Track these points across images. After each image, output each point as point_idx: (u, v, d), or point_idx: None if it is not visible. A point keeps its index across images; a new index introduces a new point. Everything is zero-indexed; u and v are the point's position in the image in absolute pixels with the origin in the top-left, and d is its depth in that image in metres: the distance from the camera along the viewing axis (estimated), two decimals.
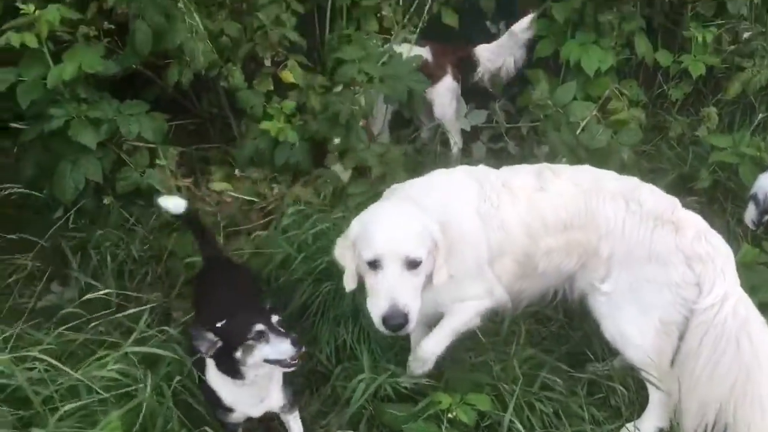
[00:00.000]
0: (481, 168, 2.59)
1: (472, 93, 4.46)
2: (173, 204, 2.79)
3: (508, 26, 4.29)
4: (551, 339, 3.02)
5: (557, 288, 2.61)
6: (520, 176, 2.52)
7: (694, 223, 2.42)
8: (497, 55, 4.17)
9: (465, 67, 4.25)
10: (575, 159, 3.28)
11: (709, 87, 4.30)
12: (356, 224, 2.39)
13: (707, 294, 2.31)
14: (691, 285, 2.34)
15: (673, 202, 2.48)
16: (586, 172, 2.55)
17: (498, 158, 4.17)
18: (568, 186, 2.45)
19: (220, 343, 2.22)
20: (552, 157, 3.41)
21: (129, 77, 3.78)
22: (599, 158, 3.26)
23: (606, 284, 2.44)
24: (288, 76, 3.66)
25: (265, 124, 3.56)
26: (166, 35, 3.26)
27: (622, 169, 3.34)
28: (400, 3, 4.19)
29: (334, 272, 3.01)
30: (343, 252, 2.41)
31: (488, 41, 4.22)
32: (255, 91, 3.69)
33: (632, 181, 2.53)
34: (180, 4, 3.28)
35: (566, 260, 2.47)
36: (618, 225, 2.40)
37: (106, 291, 2.87)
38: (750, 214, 3.17)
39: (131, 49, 3.28)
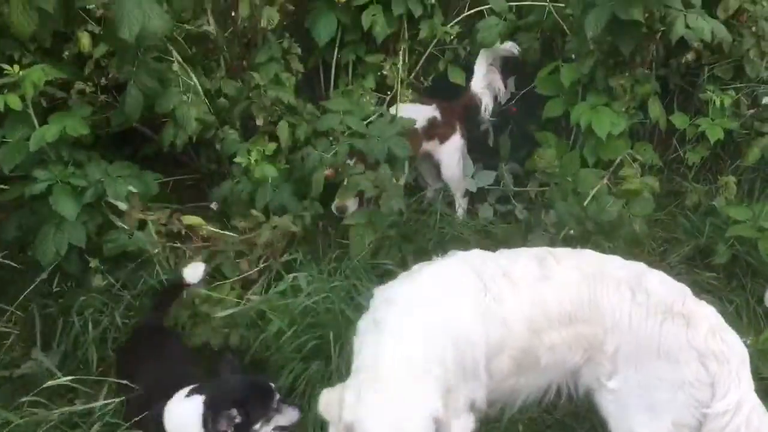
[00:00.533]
0: (477, 255, 2.41)
1: (479, 150, 4.33)
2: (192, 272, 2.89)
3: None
4: (556, 428, 2.82)
5: (560, 383, 2.40)
6: (521, 264, 2.34)
7: (706, 316, 2.23)
8: (487, 81, 4.03)
9: (471, 114, 4.12)
10: (583, 231, 3.11)
11: (728, 152, 4.11)
12: (350, 413, 2.06)
13: (721, 398, 2.11)
14: (705, 385, 2.14)
15: (683, 291, 2.29)
16: (590, 257, 2.37)
17: (505, 220, 4.01)
18: (572, 274, 2.27)
19: (238, 419, 2.27)
20: (560, 226, 3.23)
21: (127, 131, 3.70)
22: (609, 230, 3.08)
23: (613, 381, 2.24)
24: (273, 146, 3.53)
25: (240, 158, 3.42)
26: (159, 99, 3.16)
27: (634, 242, 3.19)
28: (406, 60, 4.10)
29: (324, 350, 2.86)
30: (331, 410, 2.14)
31: None
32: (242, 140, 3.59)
33: (639, 268, 2.35)
34: (175, 67, 3.18)
35: (570, 355, 2.28)
36: (624, 318, 2.21)
37: (69, 378, 2.74)
38: None
39: (121, 112, 3.17)
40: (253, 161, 3.43)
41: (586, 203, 3.16)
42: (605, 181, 3.26)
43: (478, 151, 4.35)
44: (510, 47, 3.91)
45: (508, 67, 4.19)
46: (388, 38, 4.04)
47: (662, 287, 2.27)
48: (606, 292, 2.23)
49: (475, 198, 4.21)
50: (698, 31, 3.20)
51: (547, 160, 3.28)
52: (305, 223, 3.43)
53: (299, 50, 3.75)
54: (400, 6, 3.90)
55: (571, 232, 3.10)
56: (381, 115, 3.64)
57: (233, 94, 3.64)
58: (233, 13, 3.46)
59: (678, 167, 4.16)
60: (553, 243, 3.16)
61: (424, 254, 3.64)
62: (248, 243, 3.41)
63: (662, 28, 3.45)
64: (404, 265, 3.48)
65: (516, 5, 4.06)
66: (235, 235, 3.40)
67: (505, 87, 4.14)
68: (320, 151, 3.44)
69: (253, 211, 3.39)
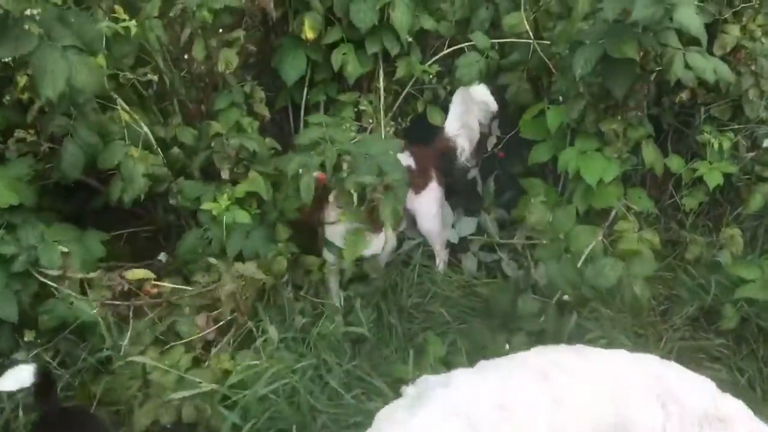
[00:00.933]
0: (462, 387, 1.85)
1: (462, 195, 4.03)
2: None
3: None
4: None
5: None
6: (522, 390, 1.85)
7: (740, 416, 1.89)
8: (463, 122, 3.69)
9: (447, 160, 3.80)
10: (579, 296, 2.79)
11: (727, 197, 3.83)
12: None
13: None
14: None
15: (708, 387, 1.96)
16: (598, 361, 2.00)
17: (491, 274, 3.69)
18: (586, 391, 1.88)
19: None
20: (552, 289, 2.91)
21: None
22: (607, 295, 2.77)
23: None
24: (247, 187, 3.19)
25: (207, 204, 3.09)
26: (101, 155, 2.82)
27: (635, 307, 2.88)
28: (381, 101, 3.80)
29: None
30: None
31: None
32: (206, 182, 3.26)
33: (653, 365, 2.01)
34: (123, 117, 2.84)
35: None
36: None
37: None
38: None
39: (58, 170, 2.82)
40: (223, 206, 3.10)
41: (580, 263, 2.84)
42: (600, 237, 2.94)
43: (462, 196, 4.05)
44: (481, 94, 3.56)
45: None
46: (362, 77, 3.74)
47: (688, 388, 1.93)
48: (634, 410, 1.85)
49: (457, 246, 3.88)
50: (699, 70, 2.92)
51: (537, 215, 2.96)
52: (279, 268, 3.09)
53: (263, 94, 3.41)
54: (375, 44, 3.60)
55: (565, 297, 2.77)
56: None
57: (191, 143, 3.31)
58: (186, 56, 3.12)
59: (674, 213, 3.87)
60: (545, 308, 2.85)
61: (402, 313, 3.34)
62: (208, 297, 3.06)
63: (658, 68, 3.16)
64: (381, 331, 3.16)
65: (499, 42, 3.79)
66: (190, 288, 3.06)
67: (490, 131, 3.84)
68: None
69: (211, 259, 3.04)
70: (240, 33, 3.17)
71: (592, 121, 3.33)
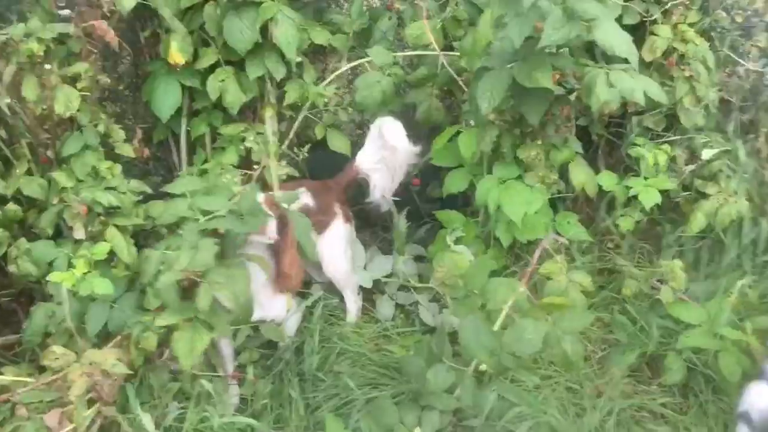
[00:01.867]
0: None
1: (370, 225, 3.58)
2: None
3: None
4: None
5: None
6: None
7: None
8: (381, 156, 3.21)
9: (356, 194, 3.33)
10: (498, 365, 2.35)
11: (667, 215, 3.46)
12: None
13: None
14: None
15: None
16: None
17: (409, 320, 3.25)
18: None
19: None
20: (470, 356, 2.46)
21: None
22: (532, 363, 2.35)
23: None
24: (106, 248, 2.66)
25: (55, 276, 2.52)
26: None
27: (565, 365, 2.46)
28: (273, 132, 3.29)
29: None
30: None
31: None
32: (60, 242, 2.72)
33: None
34: None
35: None
36: None
37: None
38: None
39: None
40: (77, 275, 2.56)
41: (498, 325, 2.40)
42: (524, 286, 2.51)
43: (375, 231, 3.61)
44: (390, 135, 3.08)
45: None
46: (249, 104, 3.24)
47: None
48: None
49: (374, 289, 3.42)
50: (626, 92, 2.49)
51: (445, 269, 2.50)
52: (148, 345, 2.58)
53: (122, 133, 2.88)
54: (258, 67, 3.09)
55: (483, 366, 2.34)
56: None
57: (38, 196, 2.77)
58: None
59: (610, 237, 3.47)
60: (460, 380, 2.41)
61: (304, 381, 2.87)
62: (61, 388, 2.53)
63: (578, 88, 2.74)
64: (281, 404, 2.69)
65: (405, 56, 3.33)
66: (32, 380, 2.53)
67: None
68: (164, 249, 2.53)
69: (56, 348, 2.51)
70: (82, 67, 2.62)
71: (510, 148, 2.88)
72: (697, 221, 3.21)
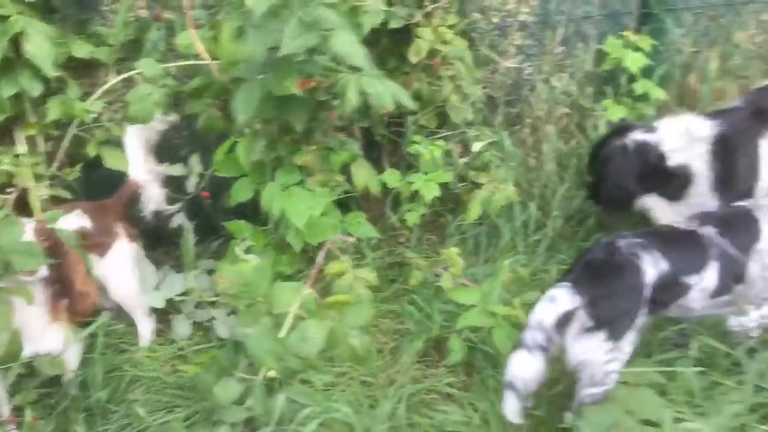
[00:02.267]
0: None
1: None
2: None
3: None
4: None
5: None
6: None
7: None
8: (150, 166, 3.17)
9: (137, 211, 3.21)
10: (286, 370, 2.36)
11: (449, 207, 3.67)
12: None
13: None
14: None
15: None
16: None
17: (207, 336, 3.16)
18: None
19: None
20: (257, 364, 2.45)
21: None
22: (318, 362, 2.38)
23: None
24: None
25: None
26: None
27: (357, 358, 2.52)
28: (37, 153, 3.07)
29: None
30: None
31: None
32: None
33: None
34: None
35: None
36: None
37: None
38: (509, 405, 2.43)
39: None
40: None
41: (286, 328, 2.41)
42: (310, 288, 2.54)
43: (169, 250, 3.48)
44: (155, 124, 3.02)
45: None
46: (4, 125, 2.99)
47: None
48: None
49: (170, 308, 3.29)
50: (377, 97, 2.60)
51: (228, 279, 2.47)
52: None
53: None
54: (11, 86, 2.86)
55: (271, 373, 2.34)
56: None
57: None
58: None
59: (400, 231, 3.62)
60: (248, 391, 2.39)
61: (92, 416, 2.70)
62: None
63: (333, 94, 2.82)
64: None
65: (179, 66, 3.24)
66: None
67: (190, 169, 3.29)
68: None
69: None
70: None
71: (287, 155, 2.91)
72: (474, 209, 3.44)
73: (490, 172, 3.54)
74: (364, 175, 3.27)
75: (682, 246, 2.59)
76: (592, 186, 3.43)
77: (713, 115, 3.27)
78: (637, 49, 3.88)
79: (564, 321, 2.43)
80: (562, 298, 2.41)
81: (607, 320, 2.40)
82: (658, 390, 2.53)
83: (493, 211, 3.44)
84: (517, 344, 2.45)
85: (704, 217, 2.70)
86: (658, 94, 3.89)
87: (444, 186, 3.53)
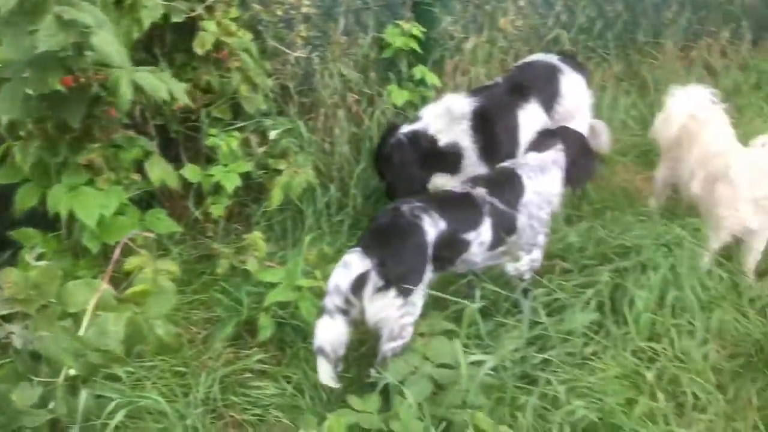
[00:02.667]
0: None
1: None
2: None
3: None
4: None
5: None
6: None
7: None
8: None
9: None
10: (89, 366, 2.33)
11: (253, 196, 3.74)
12: None
13: None
14: None
15: None
16: None
17: (6, 351, 2.98)
18: None
19: None
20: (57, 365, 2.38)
21: None
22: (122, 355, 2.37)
23: None
24: None
25: None
26: None
27: (167, 348, 2.54)
28: None
29: None
30: None
31: None
32: None
33: None
34: None
35: None
36: None
37: None
38: (323, 370, 2.57)
39: None
40: None
41: (84, 326, 2.36)
42: (104, 286, 2.50)
43: None
44: None
45: None
46: None
47: None
48: None
49: None
50: (153, 91, 2.62)
51: (15, 284, 2.37)
52: None
53: None
54: None
55: (72, 372, 2.29)
56: None
57: None
58: None
59: (206, 224, 3.64)
60: (49, 394, 2.32)
61: None
62: None
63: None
64: None
65: None
66: None
67: None
68: None
69: None
70: None
71: (70, 154, 2.83)
72: (276, 195, 3.54)
73: (289, 159, 3.67)
74: (158, 171, 3.24)
75: (458, 207, 2.87)
76: (387, 187, 3.67)
77: (473, 92, 3.64)
78: (411, 36, 4.18)
79: (360, 284, 2.61)
80: (354, 263, 2.59)
81: (396, 278, 2.62)
82: (452, 336, 2.78)
83: (295, 195, 3.57)
84: (320, 311, 2.59)
85: (475, 180, 3.01)
86: (433, 78, 4.23)
87: (246, 176, 3.61)
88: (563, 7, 4.89)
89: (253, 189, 3.77)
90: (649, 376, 2.69)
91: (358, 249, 2.63)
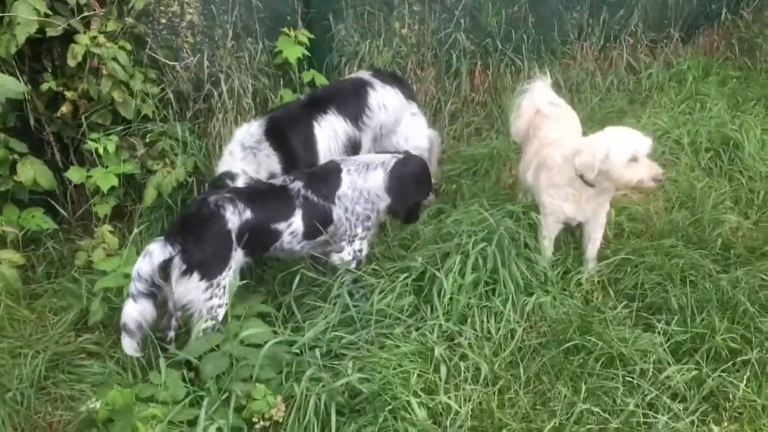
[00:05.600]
0: None
1: None
2: None
3: None
4: None
5: None
6: None
7: None
8: None
9: None
10: None
11: (136, 196, 4.01)
12: None
13: None
14: None
15: None
16: None
17: None
18: None
19: None
20: None
21: None
22: None
23: None
24: None
25: None
26: None
27: None
28: None
29: None
30: None
31: None
32: None
33: None
34: None
35: None
36: None
37: None
38: (125, 342, 2.83)
39: None
40: None
41: None
42: None
43: None
44: None
45: None
46: None
47: None
48: None
49: None
50: None
51: None
52: None
53: None
54: None
55: None
56: None
57: None
58: None
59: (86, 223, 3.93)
60: None
61: None
62: None
63: None
64: None
65: None
66: None
67: None
68: None
69: None
70: None
71: None
72: (150, 194, 3.81)
73: (165, 160, 3.93)
74: (28, 172, 3.54)
75: (269, 198, 3.07)
76: None
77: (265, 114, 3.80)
78: (300, 43, 4.40)
79: (167, 270, 2.84)
80: (156, 251, 2.83)
81: (198, 263, 2.84)
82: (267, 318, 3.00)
83: (165, 193, 3.82)
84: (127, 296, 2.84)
85: (297, 174, 3.21)
86: (322, 80, 4.45)
87: (130, 177, 3.89)
88: (463, 11, 5.04)
89: (136, 189, 4.03)
90: (438, 351, 2.84)
91: (161, 238, 2.86)
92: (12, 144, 3.54)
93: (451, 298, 3.08)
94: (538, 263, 3.34)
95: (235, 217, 2.92)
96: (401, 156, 3.32)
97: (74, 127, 3.97)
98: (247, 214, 2.95)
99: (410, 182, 3.28)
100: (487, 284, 3.16)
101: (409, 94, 4.13)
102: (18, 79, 3.68)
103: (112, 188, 3.79)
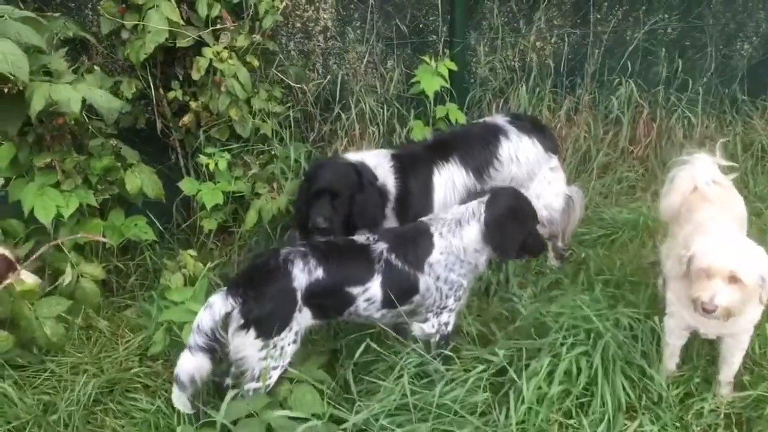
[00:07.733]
0: None
1: None
2: None
3: None
4: None
5: None
6: None
7: None
8: None
9: None
10: None
11: (239, 216, 3.90)
12: None
13: None
14: None
15: None
16: None
17: None
18: None
19: None
20: None
21: None
22: None
23: None
24: None
25: None
26: None
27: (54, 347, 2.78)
28: None
29: None
30: None
31: None
32: None
33: None
34: None
35: None
36: None
37: None
38: (176, 395, 2.66)
39: None
40: None
41: None
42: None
43: None
44: None
45: None
46: None
47: None
48: None
49: None
50: (65, 103, 2.86)
51: None
52: None
53: None
54: None
55: None
56: None
57: None
58: None
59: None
60: None
61: None
62: None
63: None
64: None
65: None
66: None
67: None
68: None
69: None
70: None
71: (26, 158, 3.21)
72: (250, 218, 3.68)
73: (273, 184, 3.77)
74: (135, 182, 3.49)
75: (347, 258, 2.76)
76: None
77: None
78: (438, 75, 4.05)
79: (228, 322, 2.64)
80: (216, 303, 2.62)
81: (256, 319, 2.60)
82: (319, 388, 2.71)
83: (265, 220, 3.66)
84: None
85: (382, 233, 2.87)
86: (459, 117, 4.08)
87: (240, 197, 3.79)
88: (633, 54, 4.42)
89: (244, 209, 3.91)
90: None
91: (224, 289, 2.66)
92: (123, 152, 3.52)
93: (529, 408, 2.60)
94: (653, 378, 2.75)
95: (303, 274, 2.65)
96: (487, 196, 2.87)
97: (195, 138, 3.93)
98: (319, 272, 2.66)
99: (508, 221, 2.82)
100: (578, 398, 2.64)
101: (550, 146, 3.63)
102: (149, 84, 3.73)
103: (216, 205, 3.70)
